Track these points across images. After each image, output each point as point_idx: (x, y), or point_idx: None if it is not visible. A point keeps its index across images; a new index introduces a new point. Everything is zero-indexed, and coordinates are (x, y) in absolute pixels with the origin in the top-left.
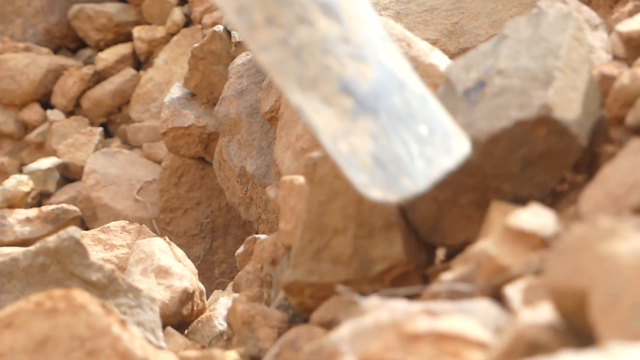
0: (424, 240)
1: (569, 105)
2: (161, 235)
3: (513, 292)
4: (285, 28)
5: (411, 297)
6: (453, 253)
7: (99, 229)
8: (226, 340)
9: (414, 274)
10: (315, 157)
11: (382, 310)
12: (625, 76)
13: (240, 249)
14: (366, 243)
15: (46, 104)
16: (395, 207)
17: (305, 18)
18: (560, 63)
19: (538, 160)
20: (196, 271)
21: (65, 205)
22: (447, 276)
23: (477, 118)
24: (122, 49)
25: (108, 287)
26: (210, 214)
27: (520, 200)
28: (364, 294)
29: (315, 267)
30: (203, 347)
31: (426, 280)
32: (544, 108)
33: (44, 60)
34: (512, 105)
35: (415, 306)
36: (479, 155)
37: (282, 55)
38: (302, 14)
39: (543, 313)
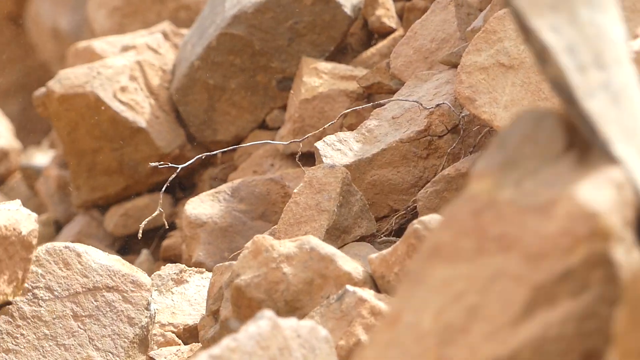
0: (198, 142)
1: None
2: None
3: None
4: (607, 70)
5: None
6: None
7: None
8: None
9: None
10: (40, 96)
11: None
12: None
13: None
14: (125, 152)
15: None
16: (137, 119)
17: (620, 59)
18: None
19: (305, 32)
20: (11, 128)
21: None
22: None
23: None
24: None
25: None
26: (25, 71)
27: (289, 79)
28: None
29: (94, 183)
30: None
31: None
32: None
33: None
34: None
35: None
36: (246, 28)
37: (605, 102)
38: (619, 54)
39: None
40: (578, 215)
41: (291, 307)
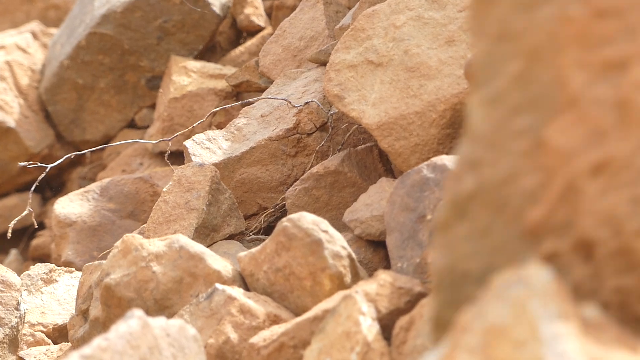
0: (67, 141)
1: None
2: None
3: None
4: None
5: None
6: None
7: None
8: None
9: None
10: None
11: None
12: None
13: None
14: None
15: None
16: (5, 119)
17: None
18: None
19: (174, 31)
20: None
21: None
22: None
23: None
24: None
25: None
26: None
27: (158, 77)
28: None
29: None
30: None
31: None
32: None
33: None
34: None
35: None
36: (115, 27)
37: None
38: None
39: None
40: None
41: (161, 306)
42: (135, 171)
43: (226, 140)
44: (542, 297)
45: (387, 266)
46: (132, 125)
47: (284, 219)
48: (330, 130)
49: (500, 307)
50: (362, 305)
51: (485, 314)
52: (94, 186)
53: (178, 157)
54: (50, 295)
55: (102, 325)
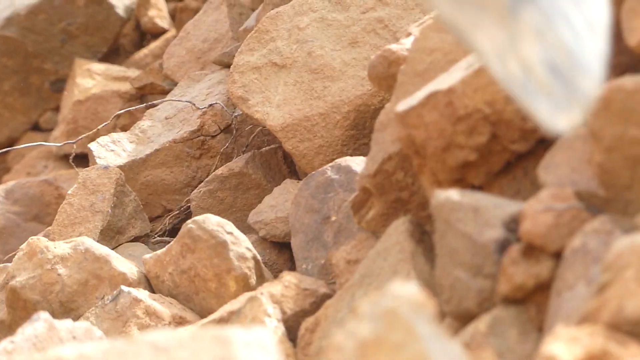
0: None
1: None
2: None
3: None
4: None
5: None
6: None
7: None
8: None
9: None
10: None
11: None
12: None
13: None
14: None
15: None
16: None
17: None
18: None
19: (78, 34)
20: None
21: None
22: None
23: None
24: None
25: None
26: None
27: (62, 80)
28: None
29: None
30: None
31: None
32: None
33: None
34: None
35: None
36: (19, 30)
37: None
38: None
39: None
40: None
41: (67, 308)
42: (40, 174)
43: (131, 142)
44: (412, 305)
45: (292, 267)
46: (36, 128)
47: (188, 221)
48: (234, 132)
49: (370, 322)
50: (268, 306)
51: (357, 331)
52: None
53: (83, 159)
54: None
55: (8, 328)
